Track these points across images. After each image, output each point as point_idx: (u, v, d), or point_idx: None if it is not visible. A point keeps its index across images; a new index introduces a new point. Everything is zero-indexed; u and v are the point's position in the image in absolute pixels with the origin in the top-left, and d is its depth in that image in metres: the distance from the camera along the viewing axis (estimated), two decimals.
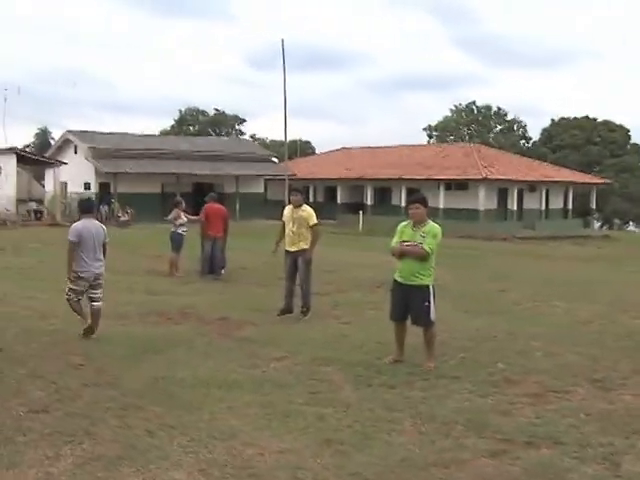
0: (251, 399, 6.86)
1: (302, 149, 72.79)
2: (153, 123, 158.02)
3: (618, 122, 74.83)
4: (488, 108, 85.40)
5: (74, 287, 9.53)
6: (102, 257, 9.64)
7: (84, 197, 12.69)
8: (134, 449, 5.48)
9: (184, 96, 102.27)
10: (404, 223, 8.49)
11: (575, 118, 75.83)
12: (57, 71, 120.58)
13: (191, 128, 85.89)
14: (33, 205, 39.72)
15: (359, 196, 49.91)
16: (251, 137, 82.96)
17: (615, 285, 16.99)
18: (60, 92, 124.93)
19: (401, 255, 8.28)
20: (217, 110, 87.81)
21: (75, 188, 43.67)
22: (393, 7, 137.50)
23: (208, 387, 7.22)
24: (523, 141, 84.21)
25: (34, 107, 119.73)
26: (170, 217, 17.24)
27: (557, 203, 49.70)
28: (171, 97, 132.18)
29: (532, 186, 46.43)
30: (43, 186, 46.08)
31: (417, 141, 70.60)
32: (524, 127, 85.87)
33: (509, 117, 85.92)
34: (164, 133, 79.20)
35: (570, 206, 50.64)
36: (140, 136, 49.05)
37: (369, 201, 48.78)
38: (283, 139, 44.02)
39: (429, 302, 8.22)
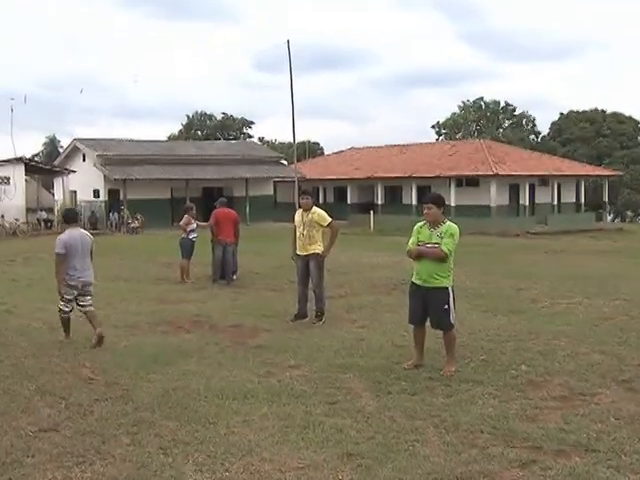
0: (267, 411, 6.61)
1: (311, 150, 72.62)
2: (162, 128, 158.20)
3: (627, 114, 74.46)
4: (496, 103, 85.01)
5: (65, 297, 9.62)
6: (89, 265, 9.77)
7: (68, 207, 12.80)
8: (147, 469, 5.25)
9: (192, 101, 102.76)
10: (420, 223, 8.22)
11: (584, 111, 75.39)
12: (66, 79, 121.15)
13: (199, 133, 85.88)
14: (43, 214, 39.68)
15: (369, 196, 49.63)
16: (259, 140, 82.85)
17: (634, 279, 16.65)
18: (69, 100, 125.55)
19: (418, 257, 8.02)
20: (225, 114, 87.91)
21: (84, 196, 43.65)
22: (398, 4, 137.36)
23: (222, 398, 6.99)
24: (532, 136, 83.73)
25: (43, 116, 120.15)
26: (182, 223, 17.01)
27: (569, 197, 49.25)
28: (179, 102, 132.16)
29: (544, 180, 46.05)
30: (53, 195, 46.02)
31: (426, 138, 70.35)
32: (533, 121, 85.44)
33: (517, 112, 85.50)
34: (172, 138, 79.31)
35: (582, 200, 50.19)
36: (148, 142, 48.94)
37: (379, 200, 48.45)
38: (292, 141, 43.84)
39: (448, 304, 7.95)
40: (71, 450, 5.63)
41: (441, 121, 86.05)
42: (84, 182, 42.70)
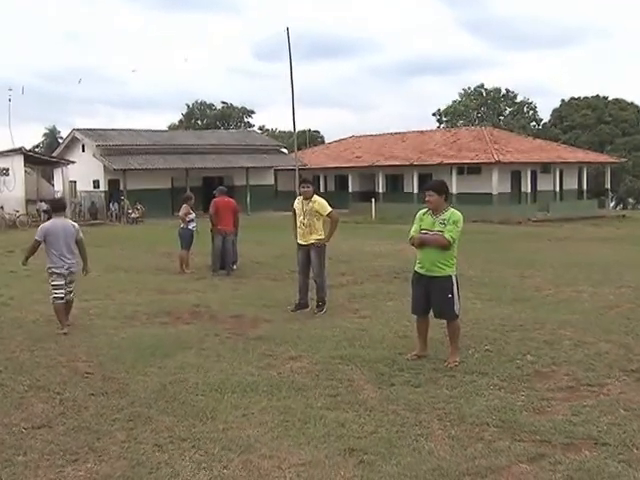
0: (267, 404, 6.44)
1: (311, 139, 72.25)
2: (162, 119, 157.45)
3: (629, 100, 74.00)
4: (497, 91, 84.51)
5: (55, 283, 9.88)
6: (74, 253, 10.00)
7: (56, 197, 12.96)
8: (142, 467, 5.08)
9: (192, 90, 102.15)
10: (423, 210, 8.02)
11: (585, 98, 74.96)
12: (66, 70, 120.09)
13: (199, 122, 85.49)
14: (43, 205, 39.41)
15: (371, 184, 49.39)
16: (260, 129, 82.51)
17: (639, 267, 16.45)
18: (70, 91, 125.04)
19: (421, 244, 7.82)
20: (225, 103, 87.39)
21: (84, 186, 43.45)
22: None
23: (221, 392, 6.81)
24: (533, 123, 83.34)
25: (44, 107, 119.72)
26: (181, 213, 16.81)
27: (571, 184, 48.96)
28: (179, 92, 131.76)
29: (545, 167, 45.78)
30: (53, 186, 45.81)
31: (427, 126, 69.89)
32: (534, 109, 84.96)
33: (519, 99, 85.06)
34: (172, 128, 78.98)
35: (585, 187, 49.91)
36: (148, 132, 48.62)
37: (381, 189, 48.23)
38: (292, 130, 43.56)
39: (452, 294, 7.76)
40: (64, 447, 5.46)
41: (442, 109, 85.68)
42: (84, 172, 42.46)
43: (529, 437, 5.56)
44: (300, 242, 11.23)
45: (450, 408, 6.26)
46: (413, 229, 7.97)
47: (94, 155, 42.49)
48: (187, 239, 16.55)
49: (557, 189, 46.58)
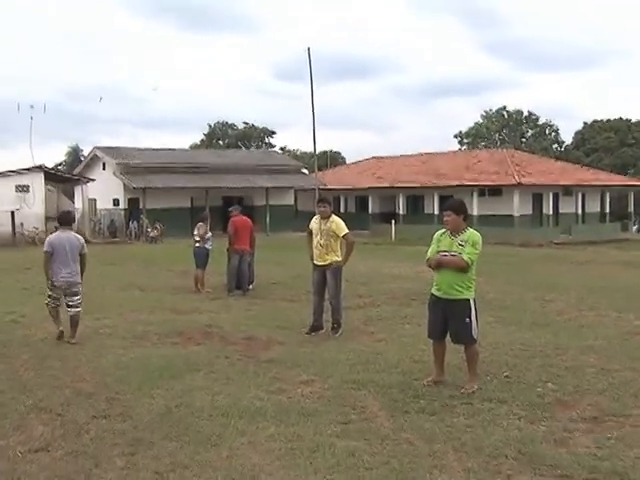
0: (275, 431, 6.15)
1: (333, 160, 72.27)
2: (184, 138, 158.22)
3: None
4: (519, 113, 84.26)
5: (50, 293, 10.31)
6: (76, 267, 10.24)
7: (64, 210, 13.10)
8: None
9: (214, 110, 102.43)
10: (441, 231, 7.74)
11: (608, 120, 74.51)
12: (90, 89, 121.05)
13: (221, 142, 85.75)
14: None
15: (391, 205, 49.19)
16: (281, 149, 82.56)
17: None
18: (94, 110, 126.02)
19: (438, 266, 7.54)
20: (246, 123, 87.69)
21: (104, 205, 43.49)
22: (420, 13, 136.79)
23: (228, 417, 6.53)
24: (556, 145, 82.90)
25: (67, 125, 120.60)
26: (200, 232, 16.57)
27: (594, 207, 48.50)
28: (201, 112, 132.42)
29: (568, 190, 45.35)
30: (73, 203, 45.92)
31: (448, 148, 69.65)
32: (556, 131, 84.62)
33: (541, 121, 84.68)
34: (194, 147, 79.18)
35: (607, 209, 49.38)
36: (168, 150, 48.71)
37: (401, 210, 48.03)
38: (313, 150, 43.49)
39: (470, 318, 7.45)
40: (60, 473, 5.22)
41: (464, 130, 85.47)
42: (104, 190, 42.53)
43: (550, 471, 5.24)
44: (316, 262, 10.97)
45: (466, 438, 5.95)
46: (430, 250, 7.69)
47: (114, 173, 42.55)
48: (203, 258, 16.36)
49: (579, 212, 46.17)
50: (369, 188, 50.01)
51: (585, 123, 76.81)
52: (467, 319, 7.45)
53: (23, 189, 36.27)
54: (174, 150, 50.00)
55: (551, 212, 44.33)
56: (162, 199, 41.79)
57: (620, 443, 5.82)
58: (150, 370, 8.32)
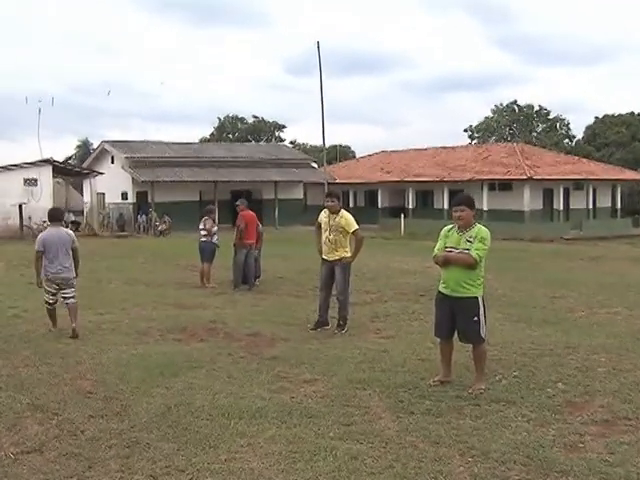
0: (276, 432, 5.97)
1: (342, 154, 71.98)
2: (194, 132, 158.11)
3: None
4: (530, 107, 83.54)
5: (46, 289, 10.42)
6: (69, 261, 10.34)
7: (53, 207, 13.05)
8: None
9: (223, 104, 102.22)
10: (448, 227, 7.52)
11: (619, 115, 73.88)
12: (100, 83, 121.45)
13: (230, 136, 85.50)
14: (71, 216, 39.40)
15: (400, 200, 48.94)
16: (291, 143, 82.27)
17: None
18: (103, 103, 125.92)
19: (445, 263, 7.32)
20: (256, 117, 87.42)
21: (113, 198, 43.45)
22: (431, 8, 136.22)
23: (228, 417, 6.34)
24: (567, 140, 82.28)
25: (77, 119, 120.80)
26: (207, 226, 16.40)
27: (605, 202, 48.11)
28: (211, 106, 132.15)
29: (578, 185, 44.97)
30: (82, 196, 45.85)
31: (458, 142, 69.24)
32: (567, 125, 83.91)
33: (551, 116, 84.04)
34: (204, 141, 79.00)
35: (619, 205, 48.96)
36: (177, 144, 48.57)
37: (411, 204, 47.78)
38: (322, 144, 43.27)
39: (478, 316, 7.23)
40: (52, 476, 5.05)
41: (474, 125, 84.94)
42: (112, 184, 42.44)
43: (560, 478, 5.04)
44: (325, 257, 10.78)
45: (473, 441, 5.75)
46: (437, 246, 7.47)
47: (123, 167, 42.45)
48: (210, 253, 16.20)
49: (590, 207, 45.80)
50: (378, 182, 49.76)
51: (596, 118, 76.15)
52: (475, 318, 7.23)
53: (31, 182, 36.17)
54: (183, 144, 49.85)
55: (562, 207, 44.00)
56: (170, 193, 41.69)
57: (633, 448, 5.60)
58: (151, 367, 8.14)
